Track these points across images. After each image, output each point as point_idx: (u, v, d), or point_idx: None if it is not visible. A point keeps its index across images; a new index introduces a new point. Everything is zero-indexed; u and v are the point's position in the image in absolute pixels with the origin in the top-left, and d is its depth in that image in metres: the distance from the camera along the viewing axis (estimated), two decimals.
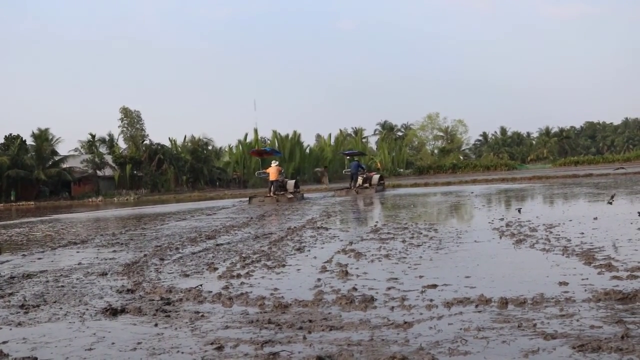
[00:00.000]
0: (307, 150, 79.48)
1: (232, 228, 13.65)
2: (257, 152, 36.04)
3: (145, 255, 9.26)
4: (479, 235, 9.66)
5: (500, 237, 9.20)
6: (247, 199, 29.30)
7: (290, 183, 29.99)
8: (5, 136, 59.96)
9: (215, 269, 7.64)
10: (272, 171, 28.78)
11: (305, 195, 33.30)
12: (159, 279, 7.09)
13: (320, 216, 16.18)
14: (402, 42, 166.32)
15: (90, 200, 51.46)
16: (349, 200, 25.12)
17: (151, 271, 7.74)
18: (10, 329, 5.03)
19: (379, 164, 52.82)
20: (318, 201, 26.17)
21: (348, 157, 38.46)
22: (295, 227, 12.99)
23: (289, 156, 72.35)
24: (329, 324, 4.66)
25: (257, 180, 66.95)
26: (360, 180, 32.68)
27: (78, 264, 8.77)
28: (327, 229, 12.27)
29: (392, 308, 5.07)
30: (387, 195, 27.57)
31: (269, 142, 79.24)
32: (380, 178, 35.62)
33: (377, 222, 13.46)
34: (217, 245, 10.30)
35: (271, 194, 28.51)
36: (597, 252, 7.27)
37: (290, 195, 28.17)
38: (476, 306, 4.94)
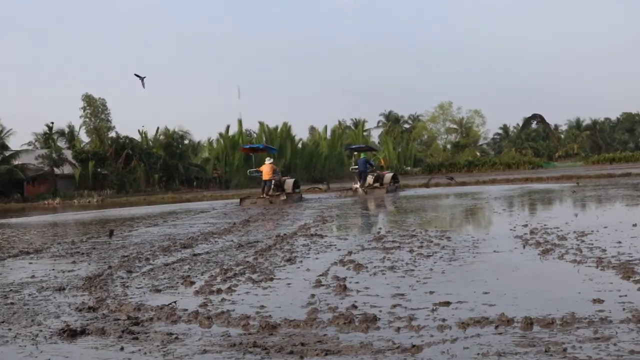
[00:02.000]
0: (300, 145, 79.58)
1: (212, 235, 13.62)
2: (248, 149, 36.18)
3: (109, 267, 9.22)
4: (499, 244, 9.66)
5: (524, 247, 9.20)
6: (238, 200, 29.62)
7: (289, 182, 30.22)
8: None
9: (192, 283, 7.60)
10: (265, 170, 29.03)
11: (304, 196, 33.38)
12: (126, 295, 7.05)
13: (315, 221, 16.15)
14: (409, 20, 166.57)
15: (46, 202, 51.36)
16: (353, 202, 25.14)
17: (117, 286, 7.70)
18: None
19: (382, 161, 52.75)
20: (317, 203, 26.16)
21: (355, 153, 38.67)
22: (285, 234, 12.97)
23: (279, 152, 72.37)
24: (325, 347, 4.63)
25: (242, 180, 67.01)
26: (370, 178, 32.97)
27: (31, 278, 8.73)
28: (322, 236, 12.25)
29: (398, 329, 5.05)
30: (400, 197, 27.62)
31: (254, 135, 79.24)
32: (394, 177, 35.89)
33: (380, 228, 13.44)
34: (194, 255, 10.27)
35: (264, 194, 28.71)
36: (637, 264, 7.26)
37: (284, 197, 28.27)
38: (496, 327, 4.93)
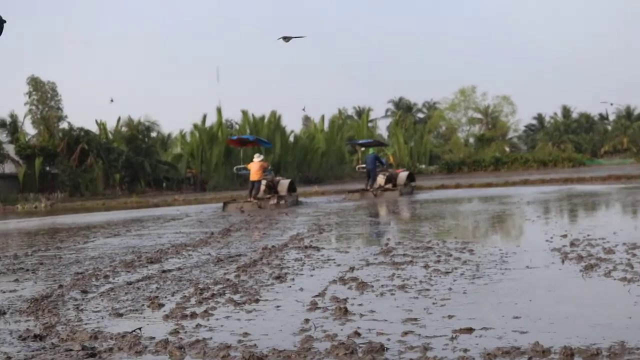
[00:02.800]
0: (292, 138, 79.60)
1: (185, 247, 13.61)
2: (236, 142, 36.21)
3: (60, 287, 9.20)
4: (533, 258, 9.66)
5: (563, 261, 9.20)
6: (221, 205, 29.82)
7: (284, 183, 30.43)
8: None
9: (161, 305, 7.59)
10: (254, 168, 28.98)
11: (302, 199, 33.48)
12: (81, 320, 7.03)
13: (310, 231, 16.14)
14: None
15: None
16: (356, 208, 25.14)
17: (69, 309, 7.68)
18: None
19: (391, 158, 52.86)
20: (313, 208, 26.18)
21: (362, 149, 38.82)
22: (273, 246, 12.96)
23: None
24: None
25: (221, 180, 67.11)
26: (381, 179, 33.38)
27: None
28: (318, 248, 12.26)
29: None
30: (417, 201, 27.65)
31: (237, 126, 79.30)
32: (410, 177, 36.04)
33: (389, 239, 13.43)
34: (164, 271, 10.25)
35: (251, 198, 28.67)
36: None
37: (274, 201, 28.34)
38: (529, 359, 4.92)
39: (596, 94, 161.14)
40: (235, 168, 33.39)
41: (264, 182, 29.55)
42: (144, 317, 7.08)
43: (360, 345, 5.44)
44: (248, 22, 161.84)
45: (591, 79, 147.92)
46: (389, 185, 33.30)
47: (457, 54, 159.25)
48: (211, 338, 6.00)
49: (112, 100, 71.41)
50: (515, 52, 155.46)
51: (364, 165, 34.50)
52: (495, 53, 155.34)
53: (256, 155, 29.80)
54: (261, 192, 29.53)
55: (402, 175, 34.96)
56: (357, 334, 5.85)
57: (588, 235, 11.94)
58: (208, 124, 73.18)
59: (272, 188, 29.83)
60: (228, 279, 9.14)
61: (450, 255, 10.29)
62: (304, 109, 45.78)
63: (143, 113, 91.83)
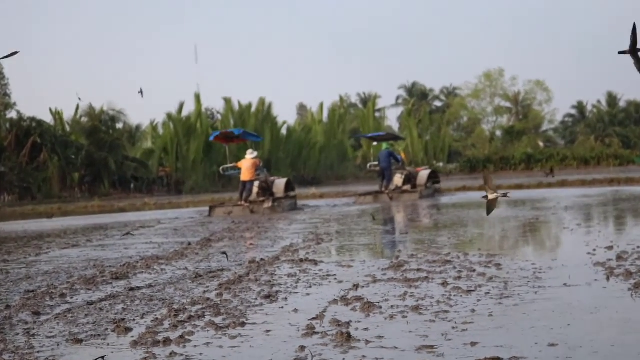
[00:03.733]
0: (284, 131, 79.60)
1: (157, 261, 13.60)
2: (222, 138, 36.28)
3: (8, 308, 9.19)
4: (572, 274, 9.66)
5: (608, 278, 9.21)
6: (207, 209, 30.04)
7: (279, 184, 30.64)
8: None
9: (128, 329, 7.58)
10: (246, 166, 29.04)
11: (302, 202, 33.57)
12: (32, 348, 7.02)
13: (306, 241, 16.14)
14: None
15: None
16: (361, 213, 25.13)
17: (18, 334, 7.68)
18: None
19: (403, 154, 52.74)
20: (311, 214, 26.19)
21: (374, 144, 38.99)
22: (262, 259, 12.97)
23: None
24: None
25: (199, 181, 67.10)
26: (398, 179, 33.81)
27: None
28: (316, 262, 12.27)
29: None
30: (436, 205, 27.69)
31: (219, 116, 79.27)
32: (432, 176, 36.18)
33: (400, 250, 13.43)
34: (131, 289, 10.26)
35: (242, 201, 28.88)
36: None
37: (269, 204, 28.43)
38: None
39: None
40: (221, 168, 33.38)
41: (256, 183, 29.61)
42: (108, 344, 7.07)
43: None
44: None
45: None
46: (408, 187, 33.57)
47: (482, 30, 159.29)
48: None
49: (141, 92, 72.34)
50: (550, 28, 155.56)
51: (376, 163, 34.66)
52: (526, 29, 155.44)
53: (249, 151, 29.89)
54: (254, 195, 29.63)
55: (423, 174, 35.25)
56: None
57: (638, 247, 11.95)
58: (185, 113, 73.13)
59: (266, 189, 29.93)
60: (208, 299, 9.13)
61: (474, 271, 10.29)
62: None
63: (107, 100, 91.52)
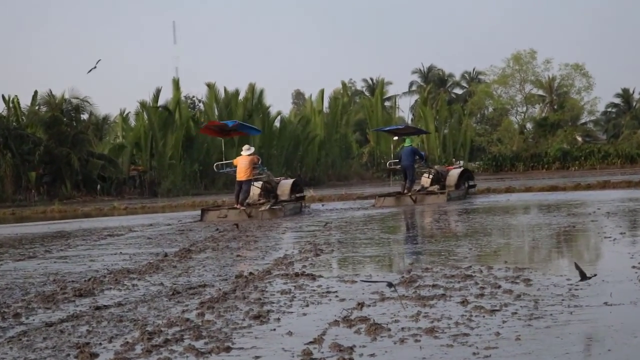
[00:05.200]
0: (277, 123, 79.44)
1: (128, 275, 13.61)
2: (212, 130, 36.34)
3: None
4: (613, 291, 9.67)
5: None
6: (200, 212, 30.28)
7: (285, 184, 31.23)
8: None
9: (94, 355, 7.61)
10: (242, 165, 29.15)
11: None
12: None
13: (302, 251, 16.14)
14: None
15: None
16: (368, 219, 25.14)
17: None
18: None
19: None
20: (310, 220, 26.23)
21: (395, 138, 39.29)
22: (251, 273, 12.99)
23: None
24: None
25: (177, 181, 66.95)
26: (426, 179, 34.65)
27: None
28: (314, 277, 12.28)
29: None
30: (467, 209, 27.78)
31: (200, 103, 79.15)
32: (465, 174, 36.72)
33: (412, 263, 13.43)
34: (98, 308, 10.26)
35: (238, 204, 29.17)
36: None
37: (267, 207, 28.63)
38: None
39: None
40: (215, 166, 33.60)
41: (257, 183, 29.80)
42: None
43: None
44: None
45: None
46: (435, 187, 34.21)
47: (510, 5, 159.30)
48: None
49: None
50: (589, 1, 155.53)
51: (397, 161, 34.95)
52: (562, 3, 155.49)
53: (245, 147, 30.12)
54: (255, 197, 29.97)
55: (454, 173, 35.95)
56: None
57: None
58: (162, 101, 72.78)
59: (270, 191, 30.10)
60: (188, 319, 9.15)
61: (499, 287, 10.31)
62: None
63: (69, 87, 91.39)
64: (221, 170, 33.38)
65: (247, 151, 29.39)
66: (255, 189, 30.04)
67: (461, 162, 45.69)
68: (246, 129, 36.79)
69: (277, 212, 28.75)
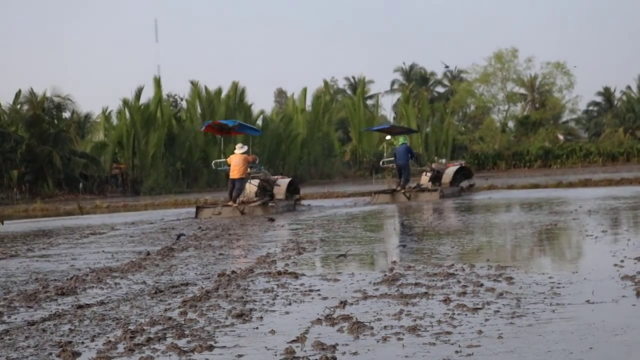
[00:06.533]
0: (260, 121, 79.44)
1: (110, 273, 13.58)
2: (213, 128, 36.65)
3: None
4: (595, 289, 9.70)
5: (638, 294, 9.25)
6: (195, 209, 30.59)
7: (282, 184, 31.97)
8: None
9: (76, 354, 7.59)
10: (235, 162, 29.52)
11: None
12: None
13: (285, 250, 16.14)
14: None
15: None
16: (356, 217, 25.18)
17: None
18: None
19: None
20: (293, 217, 26.26)
21: (387, 138, 40.28)
22: (234, 271, 12.97)
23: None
24: None
25: (160, 180, 66.83)
26: (425, 178, 35.92)
27: None
28: (296, 275, 12.28)
29: None
30: (456, 207, 27.90)
31: (182, 101, 79.02)
32: (462, 171, 38.27)
33: (395, 261, 13.44)
34: (80, 307, 10.24)
35: (232, 202, 29.54)
36: None
37: (257, 203, 28.94)
38: None
39: None
40: (213, 163, 34.30)
41: (254, 182, 30.48)
42: None
43: None
44: None
45: None
46: (428, 185, 35.42)
47: (492, 3, 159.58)
48: None
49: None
50: (572, 3, 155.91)
51: (390, 159, 35.67)
52: (544, 1, 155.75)
53: (238, 145, 30.48)
54: (252, 195, 30.49)
55: (449, 171, 36.84)
56: None
57: None
58: (143, 99, 72.57)
59: (267, 190, 30.41)
60: (170, 318, 9.14)
61: (481, 285, 10.34)
62: None
63: (50, 85, 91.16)
64: (219, 168, 33.81)
65: (240, 149, 29.74)
66: (252, 187, 30.62)
67: (443, 161, 46.22)
68: (246, 129, 37.10)
69: (269, 209, 28.96)
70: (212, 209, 29.87)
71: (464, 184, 38.96)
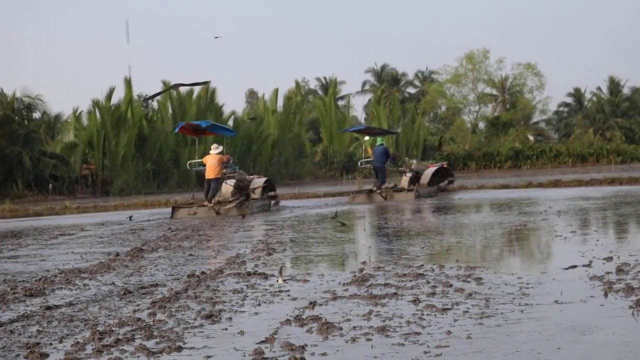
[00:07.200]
0: (231, 122, 79.32)
1: (79, 274, 13.53)
2: (188, 129, 36.72)
3: None
4: (564, 289, 9.75)
5: (606, 294, 9.30)
6: (171, 209, 30.64)
7: (257, 183, 32.28)
8: None
9: (44, 355, 7.56)
10: (210, 163, 29.75)
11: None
12: None
13: (255, 250, 16.13)
14: None
15: None
16: (325, 217, 25.19)
17: None
18: None
19: (369, 150, 52.96)
20: (263, 218, 26.26)
21: (366, 138, 40.99)
22: (203, 272, 12.97)
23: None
24: None
25: (130, 180, 66.62)
26: (405, 180, 36.50)
27: None
28: (266, 276, 12.27)
29: None
30: (429, 207, 28.02)
31: (153, 103, 78.77)
32: (440, 173, 38.98)
33: (365, 262, 13.45)
34: (48, 308, 10.20)
35: (207, 202, 29.61)
36: None
37: (231, 205, 28.98)
38: None
39: None
40: (188, 164, 34.45)
41: (230, 181, 30.56)
42: None
43: None
44: None
45: None
46: (405, 185, 35.97)
47: (463, 4, 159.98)
48: None
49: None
50: (542, 1, 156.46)
51: (367, 160, 36.11)
52: (515, 3, 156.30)
53: (214, 146, 30.59)
54: (228, 195, 30.52)
55: (428, 172, 37.60)
56: None
57: None
58: (114, 100, 72.26)
59: (242, 189, 30.51)
60: (139, 319, 9.12)
61: (450, 286, 10.36)
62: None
63: (20, 86, 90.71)
64: (194, 169, 33.91)
65: (215, 150, 29.89)
66: (228, 187, 30.68)
67: (414, 162, 46.53)
68: (220, 129, 37.22)
69: (244, 209, 28.95)
70: (188, 209, 29.89)
71: (444, 183, 39.76)
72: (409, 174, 36.92)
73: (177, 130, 37.21)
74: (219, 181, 29.76)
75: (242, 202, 29.74)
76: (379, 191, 34.20)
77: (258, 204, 30.74)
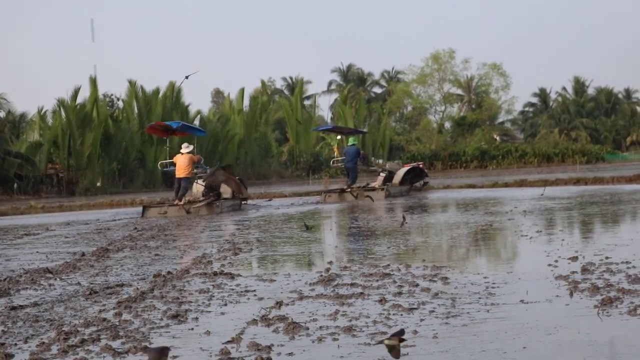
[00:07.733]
0: (197, 121, 79.27)
1: (44, 274, 13.47)
2: (157, 129, 36.80)
3: None
4: (530, 289, 9.78)
5: (571, 294, 9.34)
6: (141, 209, 30.79)
7: (400, 175, 34.05)
8: None
9: (9, 356, 7.52)
10: (181, 163, 30.07)
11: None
12: None
13: (221, 250, 16.11)
14: None
15: None
16: (287, 218, 25.25)
17: None
18: None
19: (336, 150, 53.12)
20: (231, 218, 26.26)
21: (338, 137, 41.60)
22: (169, 272, 12.94)
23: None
24: None
25: (96, 180, 66.37)
26: (380, 180, 36.93)
27: None
28: (232, 276, 12.26)
29: None
30: (396, 206, 28.13)
31: (119, 101, 78.57)
32: (413, 173, 39.35)
33: (331, 262, 13.46)
34: (13, 308, 10.16)
35: (177, 200, 29.96)
36: None
37: (201, 204, 29.11)
38: None
39: (622, 61, 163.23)
40: (159, 164, 34.61)
41: (201, 181, 30.74)
42: None
43: None
44: None
45: (615, 41, 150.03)
46: (375, 184, 36.31)
47: (429, 4, 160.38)
48: None
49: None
50: (507, 1, 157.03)
51: (340, 159, 36.61)
52: (480, 3, 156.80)
53: (184, 145, 30.88)
54: (199, 194, 30.78)
55: (400, 172, 37.79)
56: None
57: (607, 257, 12.13)
58: (80, 99, 72.18)
59: (213, 189, 30.61)
60: (105, 319, 9.08)
61: (416, 286, 10.38)
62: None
63: None
64: (165, 169, 34.03)
65: (185, 149, 30.17)
66: (199, 187, 30.96)
67: (380, 162, 47.04)
68: (190, 129, 37.36)
69: (214, 209, 29.16)
70: (159, 208, 30.05)
71: (419, 183, 40.30)
72: (383, 174, 37.35)
73: (146, 129, 37.40)
74: (189, 180, 30.05)
75: (211, 201, 29.80)
76: (349, 190, 34.61)
77: (228, 204, 30.90)
